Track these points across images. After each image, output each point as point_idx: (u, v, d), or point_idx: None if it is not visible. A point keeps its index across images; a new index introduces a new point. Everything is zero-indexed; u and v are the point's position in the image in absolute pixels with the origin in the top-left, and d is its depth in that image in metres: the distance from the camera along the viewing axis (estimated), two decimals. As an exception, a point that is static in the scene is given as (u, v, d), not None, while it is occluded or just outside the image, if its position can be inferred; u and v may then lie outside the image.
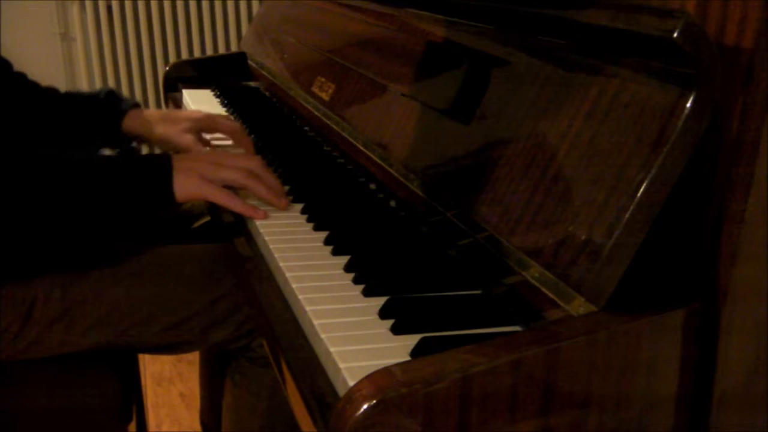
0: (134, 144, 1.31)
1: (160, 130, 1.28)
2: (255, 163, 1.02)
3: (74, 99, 1.27)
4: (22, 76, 1.23)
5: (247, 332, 1.06)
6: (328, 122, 1.27)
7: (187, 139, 1.29)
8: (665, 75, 0.63)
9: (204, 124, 1.30)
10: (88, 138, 1.27)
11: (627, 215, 0.61)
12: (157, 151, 1.47)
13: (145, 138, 1.31)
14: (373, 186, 1.08)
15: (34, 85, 1.24)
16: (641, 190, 0.61)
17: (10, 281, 0.98)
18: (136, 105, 1.31)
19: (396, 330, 0.69)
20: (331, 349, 0.65)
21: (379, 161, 1.06)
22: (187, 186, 0.96)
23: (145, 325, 1.03)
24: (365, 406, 0.51)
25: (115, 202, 0.95)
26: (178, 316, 1.04)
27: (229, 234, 1.01)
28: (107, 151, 1.29)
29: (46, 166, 0.92)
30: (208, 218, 1.28)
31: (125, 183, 0.95)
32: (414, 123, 1.00)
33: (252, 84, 1.86)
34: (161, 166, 0.96)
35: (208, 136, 1.33)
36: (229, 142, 1.32)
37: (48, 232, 0.96)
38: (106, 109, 1.27)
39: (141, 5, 3.09)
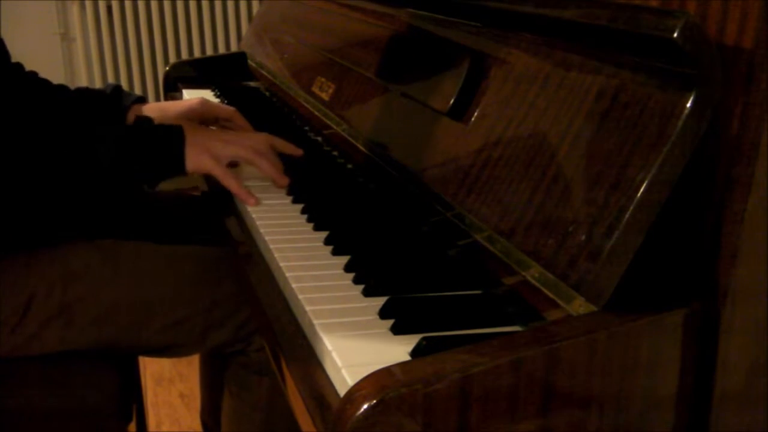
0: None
1: (161, 120, 1.29)
2: (262, 141, 1.10)
3: (80, 95, 1.27)
4: (33, 75, 1.24)
5: (245, 335, 1.06)
6: (328, 122, 1.27)
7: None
8: (665, 75, 0.63)
9: (202, 110, 1.30)
10: None
11: (627, 215, 0.61)
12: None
13: None
14: (373, 186, 1.08)
15: (45, 83, 1.24)
16: (641, 190, 0.61)
17: (13, 251, 1.00)
18: (140, 99, 1.31)
19: (396, 330, 0.69)
20: (331, 349, 0.65)
21: (379, 161, 1.06)
22: (197, 160, 1.02)
23: (144, 323, 1.03)
24: (365, 406, 0.51)
25: (129, 168, 0.99)
26: (177, 316, 1.04)
27: (220, 214, 1.06)
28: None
29: (63, 133, 0.96)
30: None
31: (141, 151, 1.00)
32: (414, 123, 1.00)
33: (252, 84, 1.86)
34: (175, 138, 1.02)
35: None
36: None
37: (63, 195, 1.00)
38: (109, 104, 1.28)
39: (141, 5, 3.09)
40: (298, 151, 1.16)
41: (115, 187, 1.02)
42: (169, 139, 1.02)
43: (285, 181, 1.08)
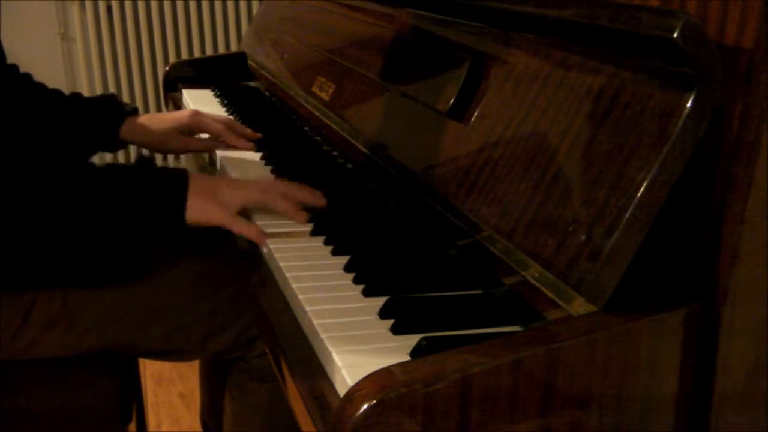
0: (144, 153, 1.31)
1: (150, 134, 1.28)
2: (272, 182, 0.99)
3: (76, 103, 1.26)
4: (27, 77, 1.23)
5: (245, 342, 1.06)
6: (328, 122, 1.27)
7: (179, 143, 1.29)
8: (665, 75, 0.63)
9: (191, 122, 1.29)
10: (86, 142, 1.27)
11: (627, 215, 0.61)
12: (145, 152, 1.45)
13: (138, 143, 1.32)
14: (373, 186, 1.08)
15: (40, 87, 1.24)
16: (641, 190, 0.61)
17: (8, 286, 0.98)
18: (135, 111, 1.30)
19: (396, 330, 0.69)
20: (331, 349, 0.65)
21: (378, 161, 1.05)
22: (200, 211, 0.92)
23: (145, 329, 1.03)
24: (365, 406, 0.51)
25: (123, 214, 0.91)
26: (178, 322, 1.03)
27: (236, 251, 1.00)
28: (107, 156, 1.27)
29: (56, 173, 0.89)
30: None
31: (137, 197, 0.91)
32: (414, 123, 1.00)
33: (252, 84, 1.86)
34: (177, 185, 0.92)
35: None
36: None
37: (52, 239, 0.92)
38: (104, 115, 1.27)
39: (141, 5, 3.09)
40: (321, 202, 1.00)
41: (102, 237, 0.92)
42: (169, 183, 0.92)
43: (304, 217, 0.97)
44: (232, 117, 1.51)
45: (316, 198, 0.99)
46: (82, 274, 1.02)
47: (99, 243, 0.95)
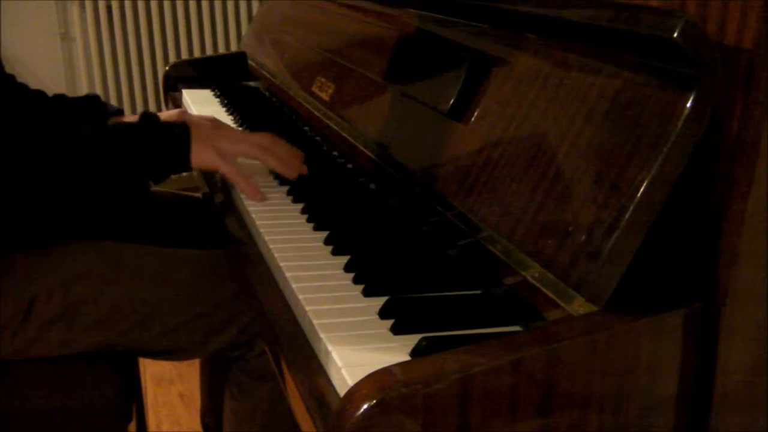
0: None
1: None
2: (267, 139, 1.10)
3: (58, 105, 1.26)
4: (10, 78, 1.23)
5: (246, 340, 1.06)
6: (328, 122, 1.27)
7: None
8: (665, 75, 0.63)
9: None
10: None
11: (627, 215, 0.61)
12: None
13: None
14: (373, 186, 1.08)
15: (22, 88, 1.23)
16: (641, 190, 0.61)
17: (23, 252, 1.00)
18: (119, 112, 1.31)
19: (396, 330, 0.69)
20: (331, 349, 0.65)
21: (379, 161, 1.06)
22: (203, 156, 1.03)
23: (145, 327, 1.03)
24: (365, 406, 0.51)
25: (134, 164, 1.01)
26: (178, 320, 1.04)
27: (220, 214, 1.07)
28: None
29: (64, 131, 0.97)
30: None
31: (146, 147, 1.01)
32: (414, 123, 1.00)
33: (252, 84, 1.86)
34: (180, 134, 1.03)
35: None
36: None
37: (67, 192, 0.98)
38: (87, 116, 1.27)
39: (141, 5, 3.09)
40: (302, 168, 1.13)
41: (119, 182, 1.02)
42: (174, 134, 1.03)
43: (294, 174, 1.09)
44: (231, 118, 1.51)
45: (300, 163, 1.11)
46: (96, 229, 1.07)
47: (113, 190, 1.04)
